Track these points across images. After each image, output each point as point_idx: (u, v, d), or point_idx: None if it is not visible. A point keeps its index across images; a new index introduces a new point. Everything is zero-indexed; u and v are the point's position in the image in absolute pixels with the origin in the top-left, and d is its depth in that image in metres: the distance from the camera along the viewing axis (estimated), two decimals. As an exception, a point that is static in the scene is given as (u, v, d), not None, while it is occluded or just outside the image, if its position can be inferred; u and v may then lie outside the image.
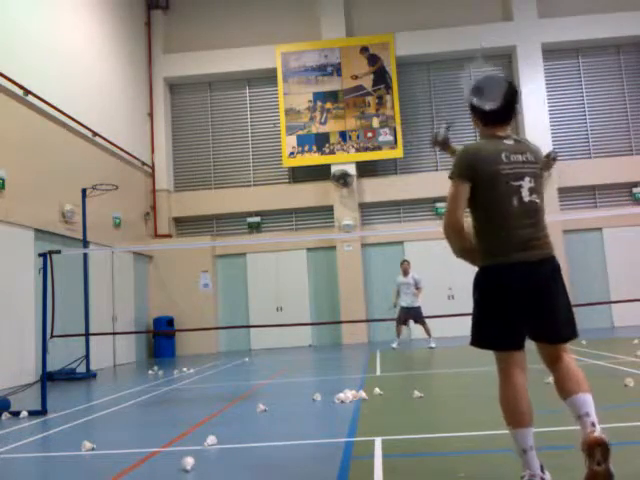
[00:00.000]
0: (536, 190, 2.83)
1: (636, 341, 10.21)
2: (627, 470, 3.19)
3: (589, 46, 16.68)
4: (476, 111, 2.98)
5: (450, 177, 2.88)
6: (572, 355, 2.87)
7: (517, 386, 2.75)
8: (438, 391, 6.45)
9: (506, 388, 2.78)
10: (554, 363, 2.84)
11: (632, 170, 15.84)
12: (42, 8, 11.51)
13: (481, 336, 2.89)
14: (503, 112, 2.92)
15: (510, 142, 2.87)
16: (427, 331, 12.01)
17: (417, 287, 12.07)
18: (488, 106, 2.91)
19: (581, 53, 16.82)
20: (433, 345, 11.83)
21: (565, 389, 2.75)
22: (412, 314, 12.03)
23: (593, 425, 2.61)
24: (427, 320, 11.82)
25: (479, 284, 2.89)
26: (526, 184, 2.79)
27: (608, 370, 7.17)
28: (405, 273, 12.25)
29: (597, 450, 2.52)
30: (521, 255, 2.76)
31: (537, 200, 2.82)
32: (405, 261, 12.53)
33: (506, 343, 2.81)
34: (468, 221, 2.91)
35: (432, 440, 4.22)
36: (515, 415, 2.73)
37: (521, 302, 2.77)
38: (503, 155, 2.81)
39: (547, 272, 2.79)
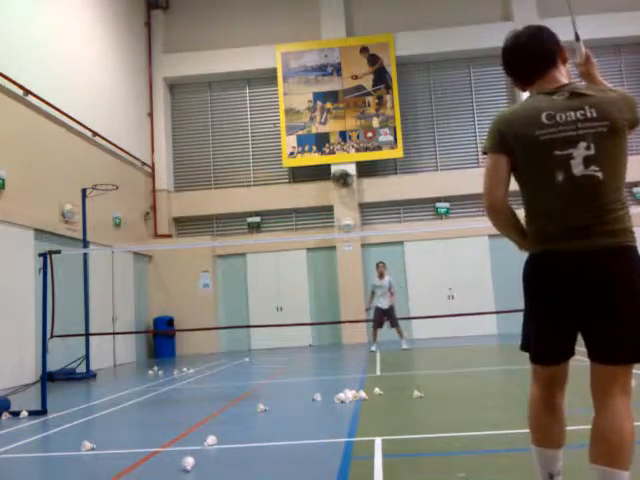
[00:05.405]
0: (598, 159, 2.10)
1: (636, 341, 10.18)
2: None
3: (589, 46, 16.32)
4: (506, 70, 2.43)
5: (483, 152, 2.33)
6: (628, 405, 2.11)
7: (532, 402, 2.34)
8: (438, 391, 6.45)
9: (529, 398, 2.38)
10: (599, 399, 2.15)
11: (632, 170, 15.68)
12: (42, 8, 11.50)
13: (522, 336, 2.36)
14: (528, 59, 2.31)
15: (561, 96, 2.20)
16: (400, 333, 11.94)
17: (390, 290, 11.92)
18: (506, 59, 2.40)
19: (581, 53, 16.80)
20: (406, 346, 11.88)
21: (593, 451, 2.11)
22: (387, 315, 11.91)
23: None
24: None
25: (523, 275, 2.31)
26: (580, 152, 2.10)
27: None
28: (381, 276, 12.11)
29: None
30: (567, 244, 2.12)
31: (598, 174, 2.10)
32: (381, 263, 12.35)
33: (532, 352, 2.30)
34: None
35: (432, 440, 4.22)
36: (530, 428, 2.35)
37: (559, 303, 2.17)
38: (544, 116, 2.16)
39: (605, 267, 2.09)
